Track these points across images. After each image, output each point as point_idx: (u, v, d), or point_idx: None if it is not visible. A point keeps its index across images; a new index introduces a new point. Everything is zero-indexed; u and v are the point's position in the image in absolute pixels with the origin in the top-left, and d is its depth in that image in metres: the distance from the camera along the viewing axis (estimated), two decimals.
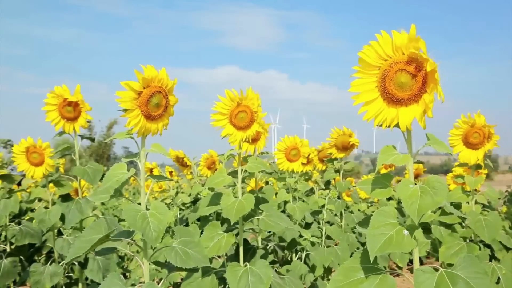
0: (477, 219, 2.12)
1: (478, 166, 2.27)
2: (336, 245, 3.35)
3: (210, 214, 2.30)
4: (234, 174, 1.90)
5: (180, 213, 3.81)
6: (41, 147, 2.53)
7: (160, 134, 1.56)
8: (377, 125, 1.18)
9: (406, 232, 1.18)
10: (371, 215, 1.24)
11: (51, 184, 2.68)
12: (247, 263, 1.81)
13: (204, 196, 2.41)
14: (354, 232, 3.49)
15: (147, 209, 1.49)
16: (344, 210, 3.54)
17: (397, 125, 1.18)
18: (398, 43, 1.10)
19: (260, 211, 2.01)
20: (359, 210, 5.48)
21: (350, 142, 3.26)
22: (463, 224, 2.41)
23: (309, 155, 3.35)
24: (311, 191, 3.77)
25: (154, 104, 1.45)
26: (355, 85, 1.20)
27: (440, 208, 2.35)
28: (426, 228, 2.45)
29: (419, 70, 1.11)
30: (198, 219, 2.99)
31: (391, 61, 1.13)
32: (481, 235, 2.08)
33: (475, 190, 2.34)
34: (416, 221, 1.13)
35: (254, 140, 2.11)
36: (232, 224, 1.91)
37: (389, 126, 1.18)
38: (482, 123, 2.11)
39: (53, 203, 2.67)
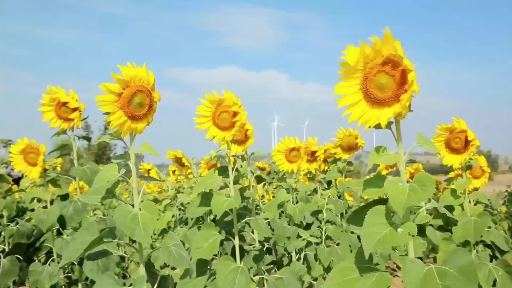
0: (467, 220, 2.12)
1: (468, 167, 2.27)
2: (337, 245, 3.35)
3: (202, 216, 2.30)
4: (225, 175, 1.91)
5: (179, 214, 3.81)
6: (37, 148, 2.55)
7: (141, 132, 1.52)
8: (360, 126, 1.20)
9: (400, 229, 1.19)
10: (358, 211, 1.25)
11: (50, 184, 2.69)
12: (242, 262, 1.82)
13: (192, 200, 2.42)
14: (353, 232, 3.49)
15: (140, 210, 1.48)
16: (346, 210, 3.54)
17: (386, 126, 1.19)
18: (377, 46, 1.12)
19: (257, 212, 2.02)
20: None
21: (357, 143, 3.27)
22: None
23: (315, 152, 3.35)
24: (314, 191, 3.76)
25: (137, 104, 1.42)
26: (339, 87, 1.22)
27: (435, 208, 2.35)
28: (421, 230, 2.44)
29: (397, 70, 1.13)
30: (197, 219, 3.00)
31: (372, 63, 1.15)
32: (468, 236, 2.09)
33: (475, 189, 2.33)
34: (401, 214, 1.14)
35: (242, 141, 2.11)
36: (226, 224, 1.91)
37: (372, 127, 1.19)
38: (462, 128, 2.10)
39: (51, 203, 2.67)
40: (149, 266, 1.63)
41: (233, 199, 1.81)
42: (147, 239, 1.37)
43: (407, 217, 1.19)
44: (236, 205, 1.77)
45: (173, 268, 2.80)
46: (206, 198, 1.90)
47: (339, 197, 3.51)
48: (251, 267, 1.84)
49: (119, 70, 1.39)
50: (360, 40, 1.13)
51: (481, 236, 2.19)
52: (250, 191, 1.99)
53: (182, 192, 4.00)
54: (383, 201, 1.29)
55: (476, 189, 2.54)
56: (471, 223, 2.10)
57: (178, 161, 4.05)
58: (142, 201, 1.51)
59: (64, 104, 2.40)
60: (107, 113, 1.41)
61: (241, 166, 1.94)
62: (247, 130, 2.07)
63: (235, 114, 1.82)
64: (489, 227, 2.45)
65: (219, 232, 1.91)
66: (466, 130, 2.09)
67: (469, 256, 1.15)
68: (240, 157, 1.99)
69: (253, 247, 2.13)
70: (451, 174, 3.49)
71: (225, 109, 1.82)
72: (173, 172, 4.86)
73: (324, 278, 3.37)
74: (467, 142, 2.11)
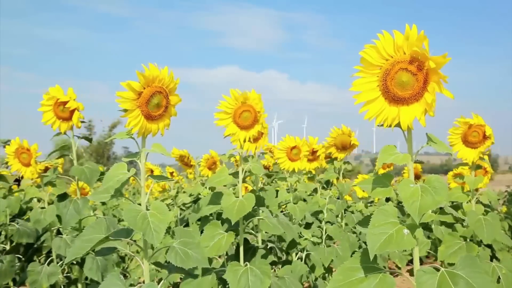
0: (477, 219, 2.13)
1: (478, 166, 2.30)
2: (337, 245, 3.35)
3: (211, 214, 2.30)
4: (235, 174, 1.91)
5: (180, 214, 3.81)
6: (29, 148, 2.55)
7: (161, 134, 1.56)
8: (378, 125, 1.19)
9: (406, 231, 1.18)
10: (371, 214, 1.24)
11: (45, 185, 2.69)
12: (247, 262, 1.81)
13: (205, 196, 2.41)
14: (354, 232, 3.49)
15: (147, 209, 1.48)
16: (345, 210, 3.54)
17: (398, 125, 1.19)
18: (399, 42, 1.11)
19: (261, 211, 2.01)
20: (356, 210, 5.45)
21: (351, 141, 3.26)
22: (463, 224, 2.41)
23: (316, 151, 3.34)
24: (315, 191, 3.76)
25: (154, 105, 1.45)
26: (357, 84, 1.20)
27: (440, 208, 2.36)
28: (427, 228, 2.45)
29: (420, 69, 1.11)
30: (199, 219, 2.99)
31: (393, 60, 1.14)
32: (480, 235, 2.10)
33: (476, 190, 2.35)
34: (417, 220, 1.14)
35: (255, 139, 2.12)
36: (232, 223, 1.91)
37: (390, 126, 1.18)
38: (480, 123, 2.15)
39: (50, 203, 2.67)
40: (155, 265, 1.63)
41: (245, 201, 1.80)
42: (158, 240, 1.37)
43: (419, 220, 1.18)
44: (249, 209, 1.76)
45: None
46: (216, 197, 1.90)
47: (338, 197, 3.51)
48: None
49: (142, 69, 1.40)
50: (379, 34, 1.12)
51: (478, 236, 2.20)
52: (263, 191, 1.99)
53: (184, 192, 4.00)
54: None
55: (476, 189, 2.55)
56: (481, 222, 2.11)
57: (183, 161, 4.04)
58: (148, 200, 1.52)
59: (62, 103, 2.39)
60: (125, 110, 1.42)
61: (250, 166, 1.93)
62: (263, 129, 2.07)
63: (256, 114, 1.82)
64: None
65: (226, 231, 1.90)
66: (484, 124, 2.13)
67: (479, 262, 1.15)
68: (250, 156, 1.99)
69: (257, 246, 2.12)
70: (450, 173, 3.50)
71: (247, 108, 1.82)
72: (171, 174, 4.86)
73: (324, 278, 3.37)
74: (484, 137, 2.15)
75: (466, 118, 2.18)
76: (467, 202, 2.33)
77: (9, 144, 2.63)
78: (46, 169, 2.79)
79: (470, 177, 2.28)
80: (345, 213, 3.57)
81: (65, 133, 2.49)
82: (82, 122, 2.47)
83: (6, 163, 3.08)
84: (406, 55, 1.12)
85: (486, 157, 2.39)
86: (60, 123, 2.43)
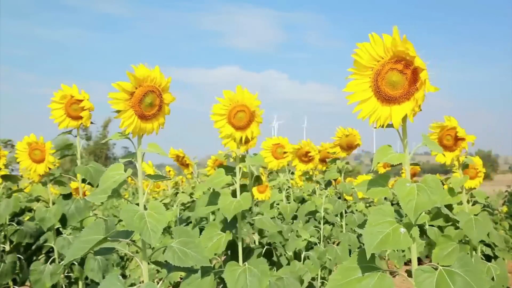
0: (468, 219, 2.13)
1: (465, 166, 2.30)
2: (337, 244, 3.35)
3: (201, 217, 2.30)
4: (233, 174, 1.91)
5: (180, 213, 3.81)
6: (43, 144, 2.55)
7: (156, 133, 1.55)
8: (371, 124, 1.21)
9: (402, 230, 1.19)
10: None
11: (50, 184, 2.69)
12: (245, 262, 1.82)
13: (197, 198, 2.42)
14: (355, 232, 3.49)
15: (145, 209, 1.49)
16: (345, 210, 3.54)
17: (392, 125, 1.20)
18: (388, 44, 1.13)
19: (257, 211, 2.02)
20: (357, 210, 5.46)
21: (356, 141, 3.29)
22: (458, 224, 2.41)
23: (309, 152, 3.36)
24: (313, 192, 3.76)
25: (148, 104, 1.44)
26: (350, 85, 1.22)
27: (437, 208, 2.36)
28: (421, 229, 2.45)
29: (409, 68, 1.14)
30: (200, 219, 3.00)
31: (383, 61, 1.16)
32: (470, 235, 2.10)
33: (471, 189, 2.36)
34: (413, 219, 1.15)
35: (246, 141, 2.13)
36: (230, 223, 1.91)
37: (383, 126, 1.20)
38: (453, 125, 2.15)
39: (53, 203, 2.67)
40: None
41: (241, 201, 1.80)
42: (156, 239, 1.37)
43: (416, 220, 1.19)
44: (246, 207, 1.77)
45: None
46: (213, 197, 1.91)
47: (339, 197, 3.51)
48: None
49: (132, 69, 1.40)
50: (370, 36, 1.14)
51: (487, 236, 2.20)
52: (250, 192, 1.99)
53: (183, 192, 4.01)
54: None
55: (471, 189, 2.57)
56: (472, 222, 2.11)
57: (180, 160, 4.05)
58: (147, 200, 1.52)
59: (75, 102, 2.41)
60: (118, 111, 1.42)
61: (242, 167, 1.93)
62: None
63: (251, 114, 1.81)
64: None
65: (223, 231, 1.91)
66: (456, 127, 2.14)
67: (473, 261, 1.17)
68: (241, 157, 1.98)
69: (255, 246, 2.13)
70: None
71: (242, 108, 1.80)
72: (169, 172, 4.88)
73: (324, 278, 3.38)
74: (457, 139, 2.16)
75: (438, 122, 2.18)
76: (460, 203, 2.34)
77: (10, 144, 2.64)
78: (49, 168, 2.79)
79: (456, 177, 2.29)
80: (345, 213, 3.56)
81: (70, 133, 2.51)
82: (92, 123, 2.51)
83: (6, 164, 3.09)
84: (394, 56, 1.14)
85: (475, 158, 2.39)
86: (70, 121, 2.46)
